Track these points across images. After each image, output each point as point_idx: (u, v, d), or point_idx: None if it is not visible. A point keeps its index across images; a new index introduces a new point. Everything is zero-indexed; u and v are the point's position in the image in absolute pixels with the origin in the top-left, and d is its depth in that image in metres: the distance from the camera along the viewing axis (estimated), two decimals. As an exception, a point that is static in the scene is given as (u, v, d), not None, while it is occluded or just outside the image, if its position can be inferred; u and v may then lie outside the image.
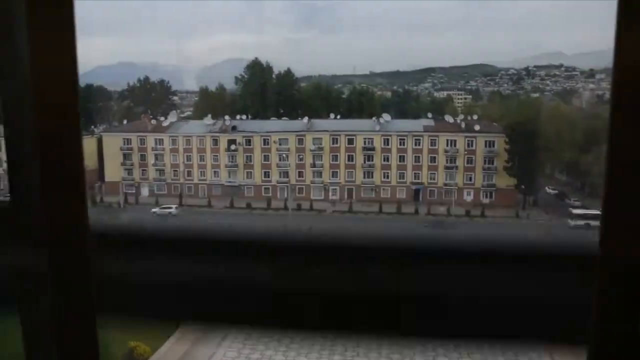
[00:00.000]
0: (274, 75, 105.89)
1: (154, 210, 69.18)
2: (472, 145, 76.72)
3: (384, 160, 77.44)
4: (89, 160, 74.87)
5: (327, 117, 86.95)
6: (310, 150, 78.06)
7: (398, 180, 77.43)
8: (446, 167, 76.39)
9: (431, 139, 77.09)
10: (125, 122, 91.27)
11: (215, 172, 79.72)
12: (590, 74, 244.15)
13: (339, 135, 78.15)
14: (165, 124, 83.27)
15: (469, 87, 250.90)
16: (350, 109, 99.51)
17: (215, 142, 79.74)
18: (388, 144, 77.38)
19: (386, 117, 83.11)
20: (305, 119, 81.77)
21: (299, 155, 78.48)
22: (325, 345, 23.61)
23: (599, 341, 1.24)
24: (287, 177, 77.64)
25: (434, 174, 76.88)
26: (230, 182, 78.92)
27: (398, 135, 77.41)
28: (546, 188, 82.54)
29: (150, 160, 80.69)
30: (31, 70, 1.21)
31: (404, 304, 1.58)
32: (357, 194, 77.19)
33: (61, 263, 1.28)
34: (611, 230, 1.21)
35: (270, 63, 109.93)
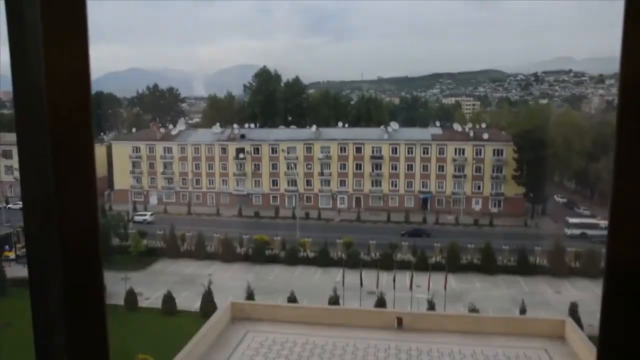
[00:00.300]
0: (282, 84, 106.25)
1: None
2: (480, 154, 76.47)
3: (392, 169, 77.34)
4: (98, 168, 74.62)
5: (336, 125, 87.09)
6: (319, 159, 78.12)
7: (406, 189, 77.31)
8: (454, 176, 76.18)
9: (439, 148, 76.93)
10: (134, 130, 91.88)
11: (223, 180, 79.95)
12: (600, 79, 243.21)
13: (347, 143, 78.19)
14: (174, 132, 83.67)
15: (477, 93, 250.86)
16: (358, 117, 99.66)
17: (224, 150, 80.00)
18: (396, 153, 77.31)
19: (394, 125, 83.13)
20: (314, 128, 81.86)
21: (307, 164, 78.55)
22: None
23: (607, 344, 1.25)
24: (295, 185, 77.72)
25: (442, 182, 76.70)
26: (238, 190, 79.11)
27: (406, 144, 77.33)
28: (555, 196, 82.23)
29: (159, 168, 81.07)
30: (46, 80, 1.22)
31: None
32: (365, 202, 77.11)
33: (73, 269, 1.30)
34: (618, 236, 1.22)
35: (279, 71, 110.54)
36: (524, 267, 53.14)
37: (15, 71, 1.28)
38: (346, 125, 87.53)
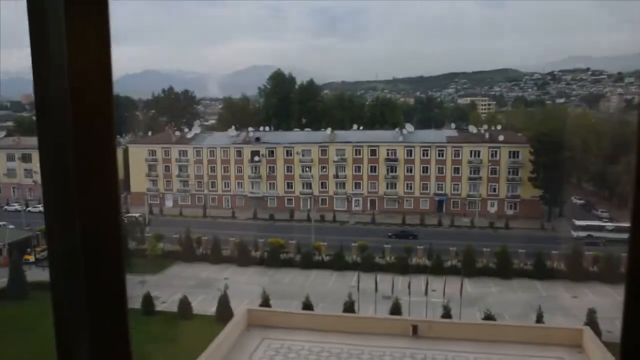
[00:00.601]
0: (296, 86, 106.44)
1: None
2: (496, 156, 75.99)
3: (407, 171, 77.16)
4: (116, 171, 75.75)
5: (350, 127, 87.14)
6: (333, 161, 78.20)
7: (421, 191, 77.09)
8: (470, 178, 75.79)
9: (455, 150, 76.59)
10: (150, 133, 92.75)
11: (239, 183, 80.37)
12: (619, 77, 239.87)
13: (362, 146, 78.16)
14: (189, 135, 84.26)
15: (493, 92, 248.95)
16: (373, 119, 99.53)
17: (239, 153, 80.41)
18: (411, 155, 77.12)
19: (409, 127, 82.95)
20: (328, 130, 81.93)
21: (322, 166, 78.66)
22: None
23: (630, 345, 1.21)
24: (310, 188, 77.87)
25: (458, 185, 76.35)
26: (253, 193, 79.49)
27: (421, 146, 77.10)
28: (573, 198, 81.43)
29: (175, 171, 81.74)
30: (70, 84, 1.23)
31: None
32: (379, 205, 77.02)
33: (96, 272, 1.30)
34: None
35: (293, 71, 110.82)
36: (540, 271, 52.71)
37: (37, 75, 1.28)
38: (361, 127, 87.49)
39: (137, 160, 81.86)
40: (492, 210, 74.99)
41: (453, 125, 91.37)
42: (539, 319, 39.97)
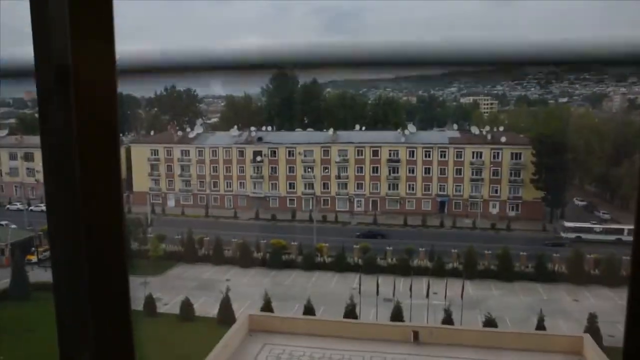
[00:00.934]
0: (299, 86, 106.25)
1: None
2: (498, 157, 75.96)
3: (409, 172, 77.15)
4: (118, 170, 75.61)
5: (353, 127, 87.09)
6: (336, 162, 78.22)
7: (423, 192, 77.07)
8: (472, 179, 75.76)
9: (457, 151, 76.57)
10: (152, 132, 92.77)
11: (241, 183, 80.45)
12: (622, 76, 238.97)
13: (364, 146, 78.18)
14: (191, 135, 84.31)
15: (495, 91, 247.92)
16: (375, 119, 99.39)
17: (241, 153, 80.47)
18: (413, 156, 77.11)
19: (411, 128, 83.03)
20: (331, 131, 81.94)
21: (324, 167, 78.69)
22: None
23: (633, 348, 1.20)
24: (312, 188, 77.96)
25: (460, 186, 76.34)
26: (255, 193, 79.59)
27: (423, 147, 77.10)
28: (575, 199, 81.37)
29: (177, 171, 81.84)
30: (73, 82, 1.22)
31: None
32: (381, 205, 77.05)
33: (99, 273, 1.29)
34: None
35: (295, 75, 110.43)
36: (541, 274, 52.79)
37: (40, 74, 1.26)
38: (363, 127, 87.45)
39: (139, 159, 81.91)
40: (494, 211, 74.98)
41: (455, 126, 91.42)
42: (540, 322, 40.05)
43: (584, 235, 63.66)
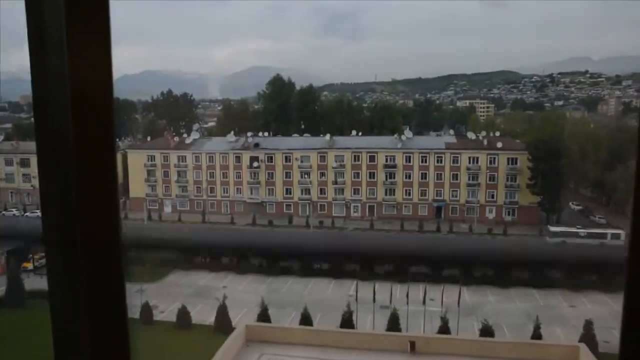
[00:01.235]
0: (295, 91, 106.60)
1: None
2: (494, 163, 76.29)
3: (406, 178, 77.39)
4: (114, 176, 75.66)
5: (349, 133, 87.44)
6: (332, 168, 78.38)
7: (420, 197, 77.33)
8: (468, 185, 76.02)
9: (453, 156, 76.85)
10: (149, 137, 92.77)
11: (237, 188, 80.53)
12: (617, 80, 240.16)
13: (361, 152, 78.39)
14: (188, 141, 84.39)
15: (492, 94, 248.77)
16: (372, 124, 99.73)
17: (238, 159, 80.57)
18: (410, 161, 77.35)
19: (408, 134, 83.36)
20: (327, 136, 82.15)
21: (320, 173, 78.84)
22: None
23: (629, 347, 1.20)
24: (309, 194, 78.06)
25: (456, 191, 76.60)
26: (252, 198, 79.67)
27: (420, 153, 77.35)
28: (571, 204, 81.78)
29: (174, 177, 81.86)
30: (70, 88, 1.20)
31: None
32: (378, 211, 77.23)
33: (96, 281, 1.29)
34: (639, 243, 1.15)
35: (291, 74, 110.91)
36: (538, 279, 52.83)
37: (36, 79, 1.25)
38: (360, 133, 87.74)
39: (136, 165, 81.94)
40: (491, 216, 75.26)
41: (452, 132, 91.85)
42: (537, 330, 40.12)
43: (569, 240, 64.24)
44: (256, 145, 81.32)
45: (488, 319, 41.82)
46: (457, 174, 76.54)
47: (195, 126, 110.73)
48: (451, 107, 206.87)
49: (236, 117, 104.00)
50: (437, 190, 77.00)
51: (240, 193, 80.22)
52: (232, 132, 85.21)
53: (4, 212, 77.19)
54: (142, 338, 38.28)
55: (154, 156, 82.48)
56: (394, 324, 40.86)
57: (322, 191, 78.73)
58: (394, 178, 77.43)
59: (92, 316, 1.29)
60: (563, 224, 72.42)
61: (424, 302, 44.09)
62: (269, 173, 79.93)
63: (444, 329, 40.27)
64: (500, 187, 76.05)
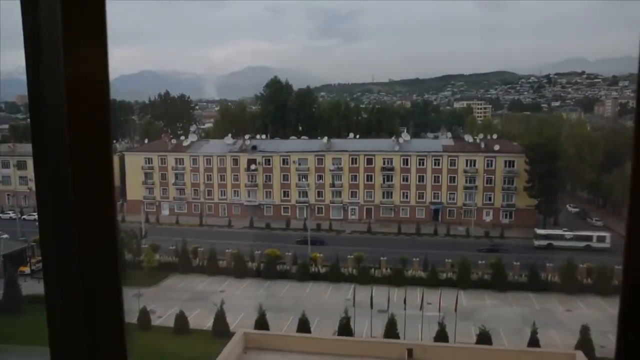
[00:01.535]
0: (293, 94, 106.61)
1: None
2: (491, 165, 76.42)
3: (403, 180, 77.45)
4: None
5: (347, 135, 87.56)
6: (330, 170, 78.37)
7: (417, 200, 77.41)
8: (465, 187, 76.11)
9: (450, 159, 76.93)
10: (146, 139, 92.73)
11: (235, 191, 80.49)
12: (614, 81, 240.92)
13: (358, 155, 78.41)
14: (185, 143, 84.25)
15: (489, 95, 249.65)
16: (369, 126, 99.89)
17: (236, 161, 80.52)
18: (407, 164, 77.41)
19: (405, 136, 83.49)
20: (325, 139, 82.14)
21: (318, 175, 78.84)
22: None
23: (625, 352, 1.20)
24: (307, 196, 78.07)
25: (454, 194, 76.70)
26: (249, 201, 79.64)
27: (417, 155, 77.41)
28: (568, 206, 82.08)
29: (171, 179, 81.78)
30: (66, 89, 1.21)
31: None
32: (376, 213, 77.28)
33: (93, 285, 1.28)
34: (635, 246, 1.15)
35: (289, 74, 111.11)
36: (534, 283, 53.00)
37: (31, 80, 1.26)
38: (357, 136, 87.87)
39: (133, 167, 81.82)
40: (488, 219, 75.42)
41: (449, 134, 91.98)
42: (534, 335, 40.20)
43: (555, 242, 64.71)
44: (254, 147, 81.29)
45: (485, 323, 41.86)
46: (454, 177, 76.64)
47: (193, 128, 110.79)
48: (448, 107, 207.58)
49: (233, 119, 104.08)
50: (434, 193, 77.13)
51: (238, 196, 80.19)
52: (230, 135, 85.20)
53: (0, 215, 77.11)
54: (140, 344, 38.31)
55: (151, 159, 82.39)
56: (391, 328, 40.88)
57: (319, 194, 78.77)
58: (392, 181, 77.50)
59: (89, 321, 1.29)
60: (560, 226, 72.68)
61: (421, 307, 44.11)
62: (266, 176, 79.91)
63: (442, 334, 40.35)
64: (498, 189, 76.19)
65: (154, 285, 53.35)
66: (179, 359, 38.34)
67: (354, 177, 78.44)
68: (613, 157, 74.20)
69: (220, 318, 42.60)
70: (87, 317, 1.28)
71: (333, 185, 78.50)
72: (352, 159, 78.42)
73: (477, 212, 74.77)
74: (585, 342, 38.17)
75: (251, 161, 79.86)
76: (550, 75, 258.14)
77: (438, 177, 76.99)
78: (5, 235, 63.80)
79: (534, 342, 38.87)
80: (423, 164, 77.03)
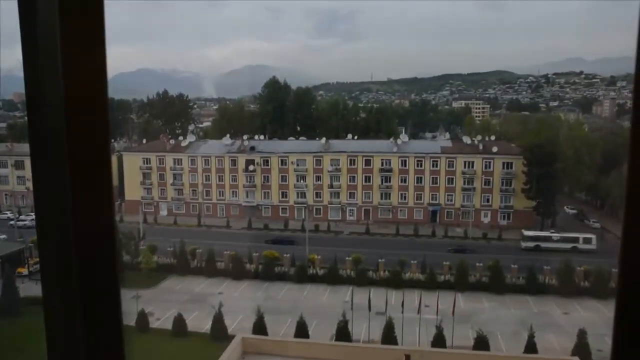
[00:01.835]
0: (291, 94, 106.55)
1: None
2: (489, 167, 76.52)
3: (401, 182, 77.50)
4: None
5: (345, 136, 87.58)
6: (328, 171, 78.38)
7: (415, 201, 77.49)
8: (463, 189, 76.19)
9: (449, 161, 77.00)
10: (144, 140, 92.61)
11: (233, 192, 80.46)
12: (611, 81, 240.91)
13: (357, 156, 78.42)
14: (184, 143, 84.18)
15: (487, 95, 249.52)
16: (367, 127, 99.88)
17: (234, 162, 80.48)
18: (405, 165, 77.45)
19: (403, 137, 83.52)
20: (323, 140, 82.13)
21: (316, 176, 78.84)
22: None
23: (620, 355, 1.20)
24: (305, 197, 78.08)
25: (452, 195, 76.81)
26: (248, 202, 79.63)
27: (415, 157, 77.45)
28: (565, 207, 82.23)
29: (169, 179, 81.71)
30: (64, 88, 1.21)
31: None
32: (374, 214, 77.32)
33: (90, 287, 1.28)
34: (631, 247, 1.15)
35: (287, 73, 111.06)
36: (532, 286, 53.11)
37: (29, 79, 1.26)
38: (355, 137, 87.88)
39: (131, 168, 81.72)
40: (486, 220, 75.55)
41: (447, 135, 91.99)
42: (531, 338, 40.28)
43: (542, 244, 64.93)
44: (252, 148, 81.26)
45: (483, 326, 41.95)
46: (452, 178, 76.75)
47: (191, 127, 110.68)
48: (447, 107, 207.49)
49: (232, 118, 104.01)
50: (432, 194, 77.21)
51: (236, 196, 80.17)
52: (228, 135, 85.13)
53: (-1, 215, 76.94)
54: (138, 346, 38.32)
55: (150, 159, 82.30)
56: (389, 331, 40.92)
57: (317, 195, 78.78)
58: (390, 182, 77.56)
59: (87, 322, 1.28)
60: (557, 227, 72.87)
61: (419, 310, 44.15)
62: (264, 176, 79.91)
63: (439, 337, 40.39)
64: (496, 191, 76.31)
65: (152, 287, 53.32)
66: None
67: (352, 178, 78.48)
68: (611, 159, 74.27)
69: (218, 321, 42.61)
70: (85, 319, 1.27)
71: (331, 186, 78.53)
72: (351, 160, 78.44)
73: (475, 214, 74.88)
74: (582, 346, 38.27)
75: (249, 162, 79.84)
76: (549, 75, 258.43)
77: (436, 178, 77.08)
78: (3, 236, 63.73)
79: (531, 345, 38.94)
80: (421, 166, 77.09)
